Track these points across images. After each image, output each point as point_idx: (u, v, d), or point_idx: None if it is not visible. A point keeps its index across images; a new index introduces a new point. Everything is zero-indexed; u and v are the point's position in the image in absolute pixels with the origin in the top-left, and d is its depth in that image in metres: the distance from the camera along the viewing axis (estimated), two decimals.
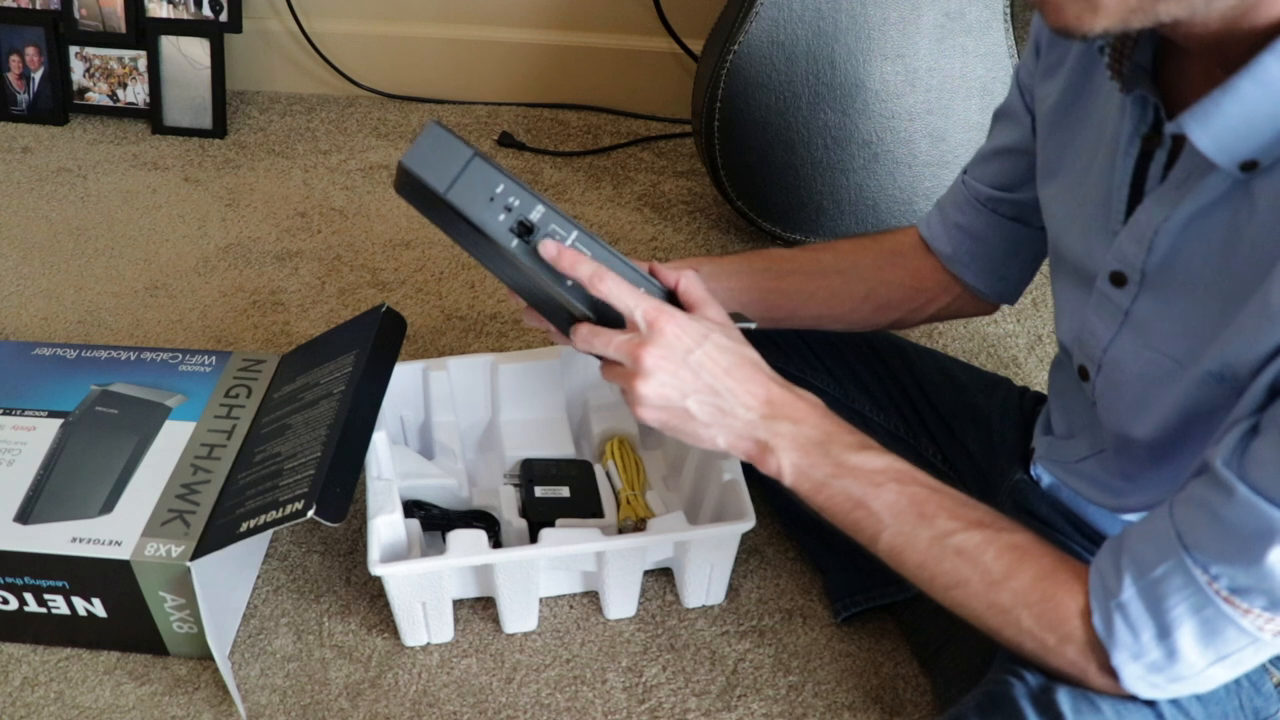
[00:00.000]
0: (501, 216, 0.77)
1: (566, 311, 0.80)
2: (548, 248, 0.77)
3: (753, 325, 0.83)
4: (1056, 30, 0.58)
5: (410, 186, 0.78)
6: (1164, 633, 0.63)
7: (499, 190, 0.77)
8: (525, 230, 0.77)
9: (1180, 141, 0.62)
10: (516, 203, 0.77)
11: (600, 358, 0.80)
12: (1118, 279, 0.71)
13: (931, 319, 1.00)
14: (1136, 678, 0.65)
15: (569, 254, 0.77)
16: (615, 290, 0.75)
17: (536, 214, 0.77)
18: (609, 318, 0.78)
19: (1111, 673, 0.66)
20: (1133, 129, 0.68)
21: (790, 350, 1.07)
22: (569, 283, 0.78)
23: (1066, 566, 0.68)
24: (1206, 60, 0.61)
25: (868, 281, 0.97)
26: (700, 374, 0.75)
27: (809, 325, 1.00)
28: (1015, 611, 0.68)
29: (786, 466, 0.75)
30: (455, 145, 0.77)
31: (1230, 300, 0.63)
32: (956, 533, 0.70)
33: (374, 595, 1.05)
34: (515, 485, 1.08)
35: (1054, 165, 0.80)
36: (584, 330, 0.78)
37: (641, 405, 0.76)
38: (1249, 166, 0.59)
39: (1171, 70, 0.66)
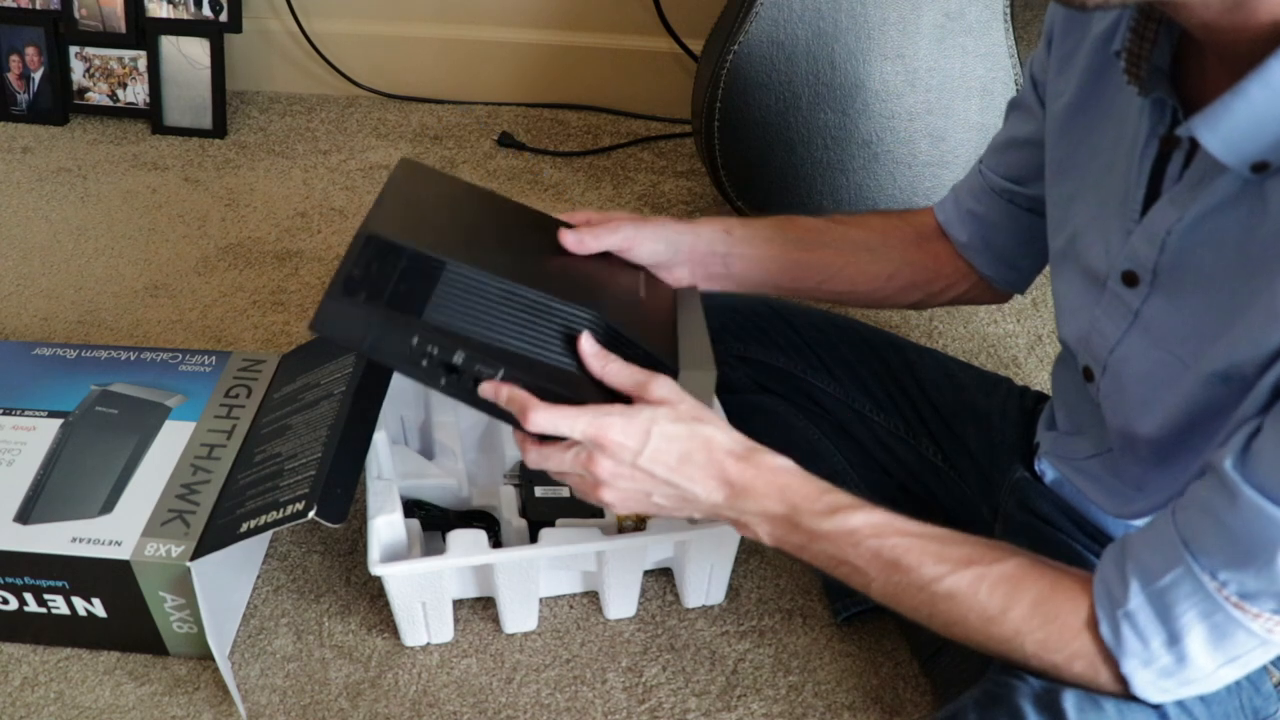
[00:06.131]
0: (424, 363, 0.78)
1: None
2: (484, 390, 0.78)
3: (712, 374, 0.83)
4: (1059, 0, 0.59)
5: (330, 340, 0.80)
6: (1173, 639, 0.63)
7: (414, 342, 0.77)
8: (450, 370, 0.78)
9: (1197, 143, 0.62)
10: (435, 350, 0.77)
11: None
12: (1130, 279, 0.71)
13: (950, 303, 1.01)
14: (1147, 683, 0.65)
15: (502, 393, 0.77)
16: (548, 420, 0.75)
17: (459, 358, 0.77)
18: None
19: (1122, 680, 0.66)
20: (1150, 130, 0.68)
21: (791, 350, 1.07)
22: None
23: (1064, 584, 0.68)
24: (1221, 63, 0.62)
25: (894, 262, 0.97)
26: (654, 472, 0.75)
27: (830, 299, 1.00)
28: (1017, 640, 0.68)
29: (763, 535, 0.77)
30: (358, 311, 0.77)
31: (1239, 300, 0.63)
32: (945, 577, 0.70)
33: (374, 595, 1.05)
34: (515, 485, 1.08)
35: (1065, 164, 0.79)
36: (533, 455, 0.78)
37: (613, 508, 0.78)
38: (1260, 168, 0.59)
39: (1189, 73, 0.66)
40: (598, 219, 0.92)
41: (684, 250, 0.93)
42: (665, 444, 0.75)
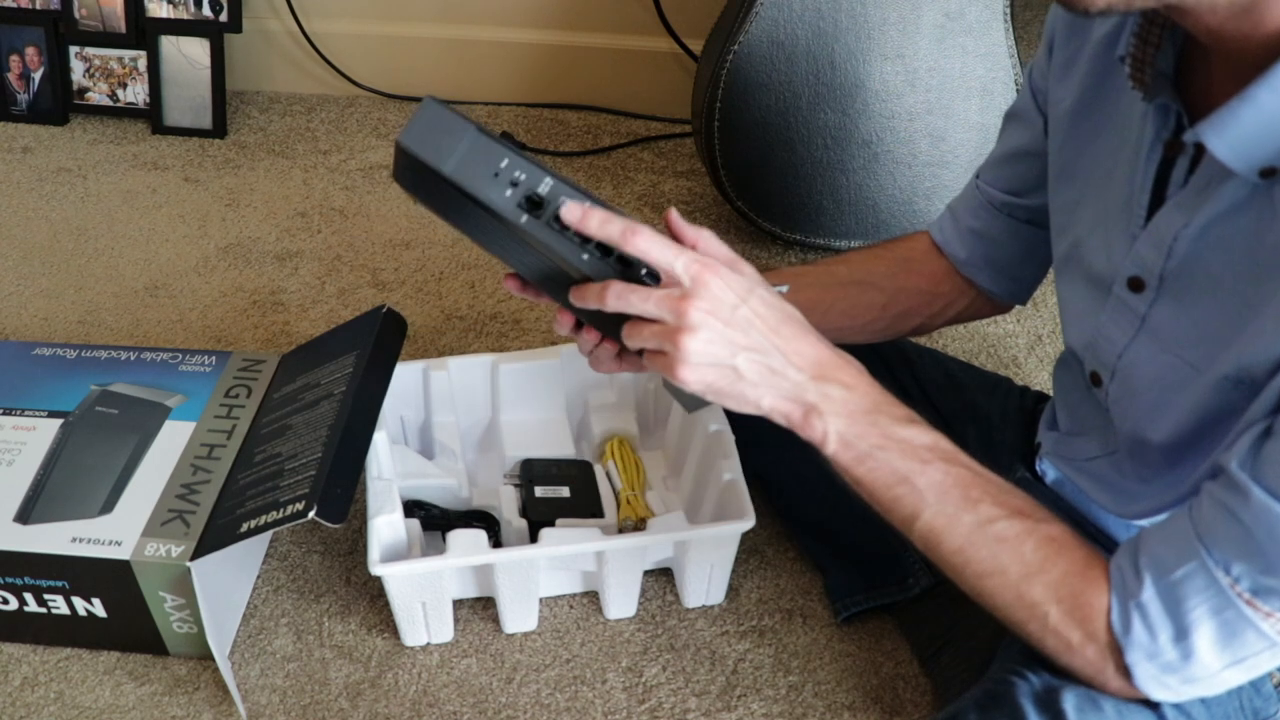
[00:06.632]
0: (509, 192, 0.73)
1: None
2: (571, 211, 0.71)
3: (784, 288, 0.78)
4: (1061, 3, 0.58)
5: (409, 168, 0.74)
6: (1182, 634, 0.63)
7: (503, 165, 0.73)
8: (534, 204, 0.73)
9: (1203, 148, 0.62)
10: (523, 176, 0.73)
11: (616, 330, 0.75)
12: (1135, 284, 0.70)
13: (951, 322, 1.00)
14: (1149, 677, 0.65)
15: (595, 214, 0.71)
16: (652, 244, 0.69)
17: (545, 187, 0.73)
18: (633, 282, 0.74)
19: (1127, 673, 0.66)
20: (1154, 135, 0.68)
21: None
22: (585, 255, 0.73)
23: (1099, 564, 0.67)
24: (1227, 68, 0.62)
25: (885, 290, 0.97)
26: (749, 331, 0.70)
27: (831, 339, 0.98)
28: (1045, 605, 0.67)
29: (832, 433, 0.71)
30: (454, 120, 0.73)
31: (1249, 305, 0.63)
32: (999, 519, 0.69)
33: (374, 595, 1.05)
34: (515, 485, 1.08)
35: (1069, 170, 0.79)
36: (617, 286, 0.71)
37: (686, 365, 0.69)
38: (1269, 173, 0.59)
39: (1194, 78, 0.66)
40: None
41: None
42: (763, 307, 0.71)
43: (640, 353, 0.74)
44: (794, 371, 0.71)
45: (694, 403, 0.80)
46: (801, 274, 0.99)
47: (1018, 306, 1.01)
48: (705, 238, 0.73)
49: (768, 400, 0.71)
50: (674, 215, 0.74)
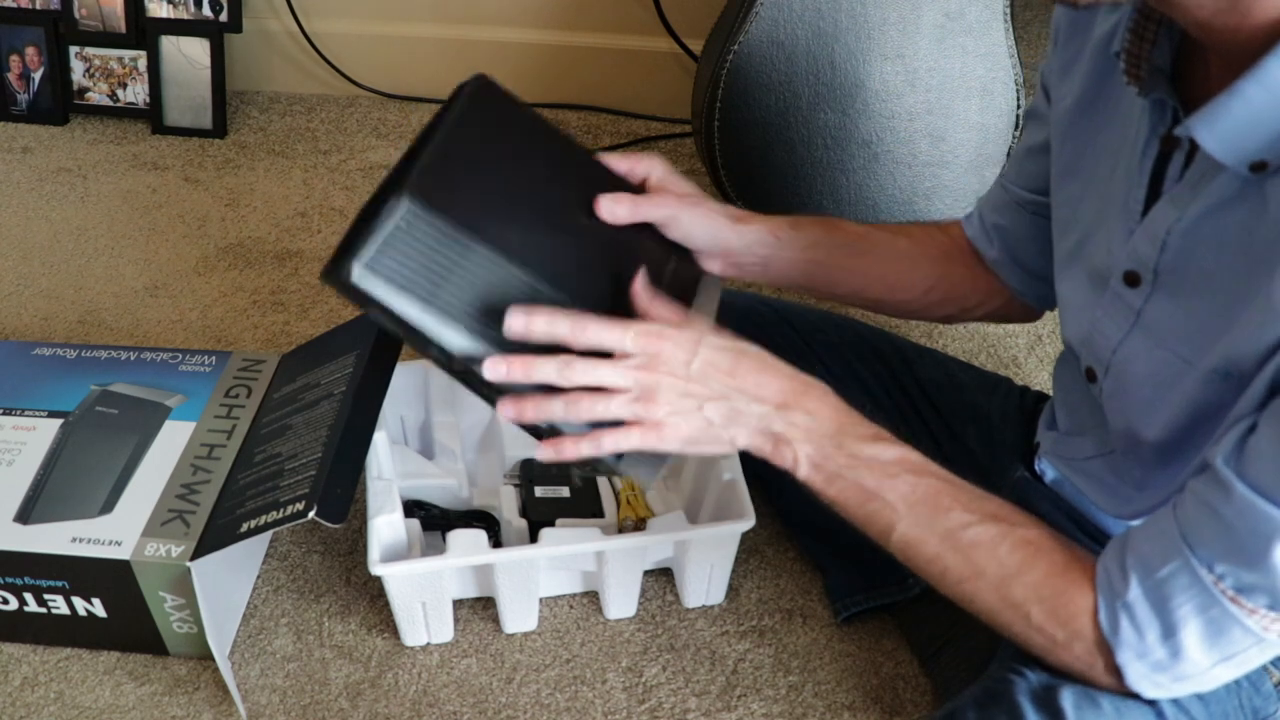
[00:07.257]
0: (434, 351, 0.76)
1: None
2: (494, 368, 0.75)
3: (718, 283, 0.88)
4: None
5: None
6: (1169, 632, 0.63)
7: (433, 354, 0.76)
8: (463, 370, 0.76)
9: (1198, 143, 0.62)
10: (436, 353, 0.76)
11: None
12: (1131, 278, 0.71)
13: (981, 319, 1.00)
14: (1140, 676, 0.65)
15: (536, 326, 0.74)
16: (598, 333, 0.74)
17: (458, 363, 0.76)
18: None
19: (1117, 671, 0.66)
20: (1150, 130, 0.69)
21: (790, 350, 1.07)
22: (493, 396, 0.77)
23: (1079, 563, 0.68)
24: (1222, 62, 0.62)
25: (931, 275, 0.97)
26: (707, 381, 0.74)
27: (864, 306, 0.99)
28: (1027, 606, 0.68)
29: (801, 458, 0.75)
30: (374, 306, 0.76)
31: (1239, 298, 0.63)
32: (972, 525, 0.70)
33: (374, 595, 1.05)
34: (515, 485, 1.08)
35: (1072, 166, 0.80)
36: (579, 367, 0.74)
37: (663, 429, 0.74)
38: (1259, 167, 0.60)
39: (1193, 73, 0.66)
40: (655, 185, 0.89)
41: (724, 246, 0.91)
42: (714, 354, 0.75)
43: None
44: (757, 406, 0.75)
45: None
46: (863, 236, 0.97)
47: None
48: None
49: (742, 438, 0.76)
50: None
